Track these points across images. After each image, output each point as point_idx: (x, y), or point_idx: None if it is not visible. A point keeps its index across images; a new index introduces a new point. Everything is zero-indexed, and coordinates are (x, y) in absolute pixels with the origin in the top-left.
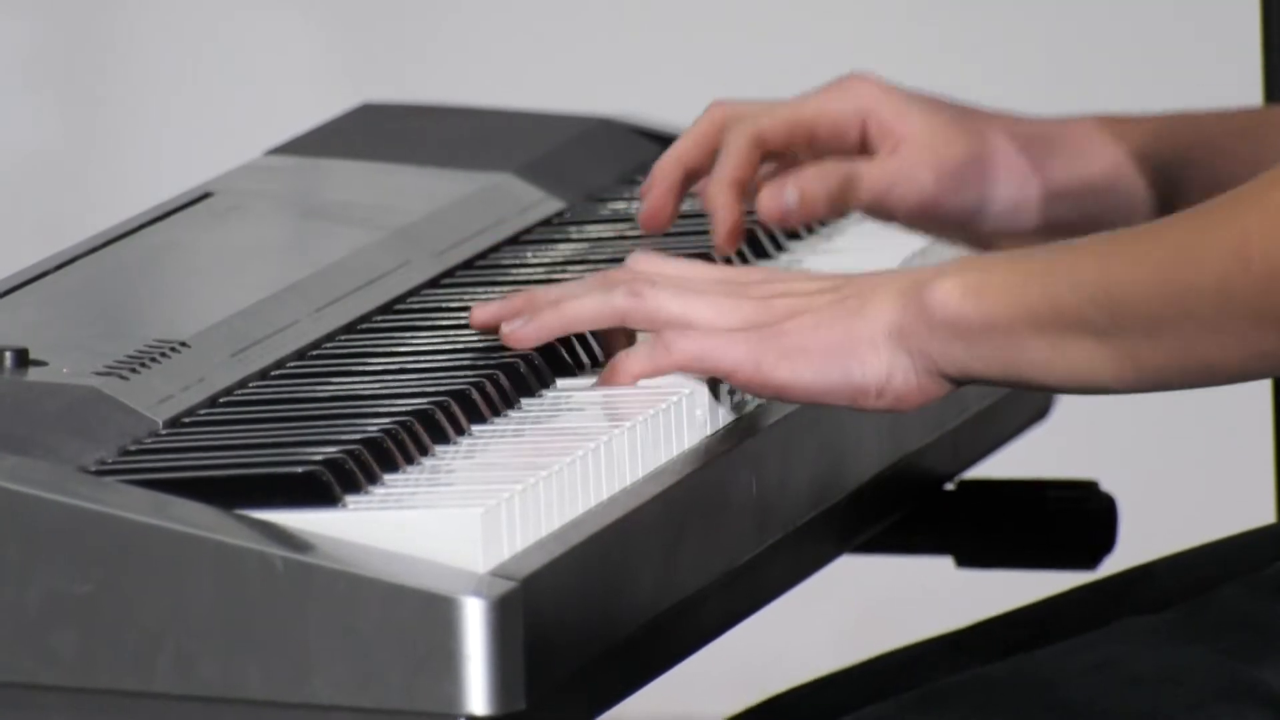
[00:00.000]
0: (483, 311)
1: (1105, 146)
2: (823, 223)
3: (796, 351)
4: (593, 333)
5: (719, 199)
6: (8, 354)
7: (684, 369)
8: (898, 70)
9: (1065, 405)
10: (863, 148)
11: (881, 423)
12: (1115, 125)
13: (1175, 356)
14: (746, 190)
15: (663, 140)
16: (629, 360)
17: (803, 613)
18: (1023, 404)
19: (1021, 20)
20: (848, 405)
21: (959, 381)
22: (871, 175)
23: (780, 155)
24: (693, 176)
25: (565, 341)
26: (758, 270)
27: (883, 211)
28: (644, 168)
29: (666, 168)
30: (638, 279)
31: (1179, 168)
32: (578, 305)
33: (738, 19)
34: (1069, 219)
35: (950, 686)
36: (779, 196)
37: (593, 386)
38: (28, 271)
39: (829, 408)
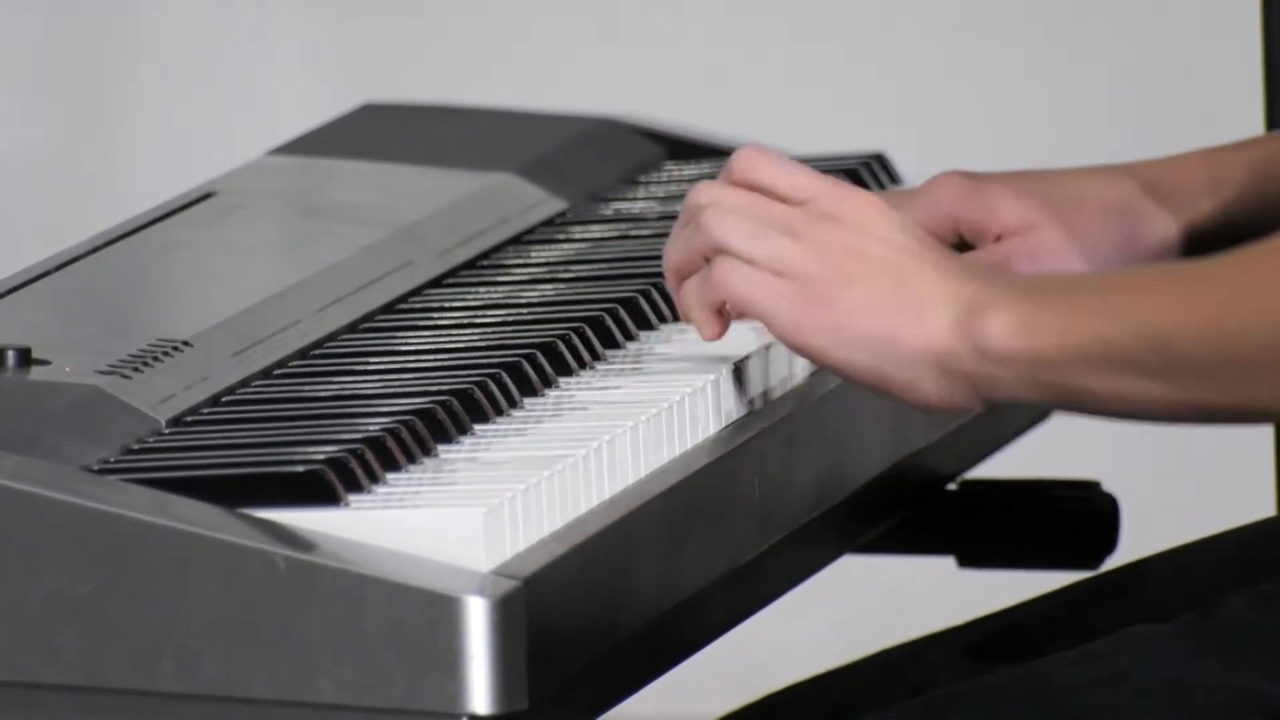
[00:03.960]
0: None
1: (1207, 186)
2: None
3: (834, 326)
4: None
5: None
6: (10, 353)
7: (729, 302)
8: (898, 70)
9: None
10: (963, 245)
11: (884, 423)
12: (1212, 159)
13: (1229, 399)
14: None
15: (664, 140)
16: (686, 291)
17: (805, 613)
18: (1023, 404)
19: (1019, 30)
20: (869, 388)
21: (997, 402)
22: None
23: None
24: None
25: (566, 341)
26: (845, 199)
27: None
28: (645, 167)
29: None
30: (705, 209)
31: None
32: (671, 253)
33: (738, 19)
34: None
35: (955, 695)
36: None
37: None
38: (30, 271)
39: (831, 407)
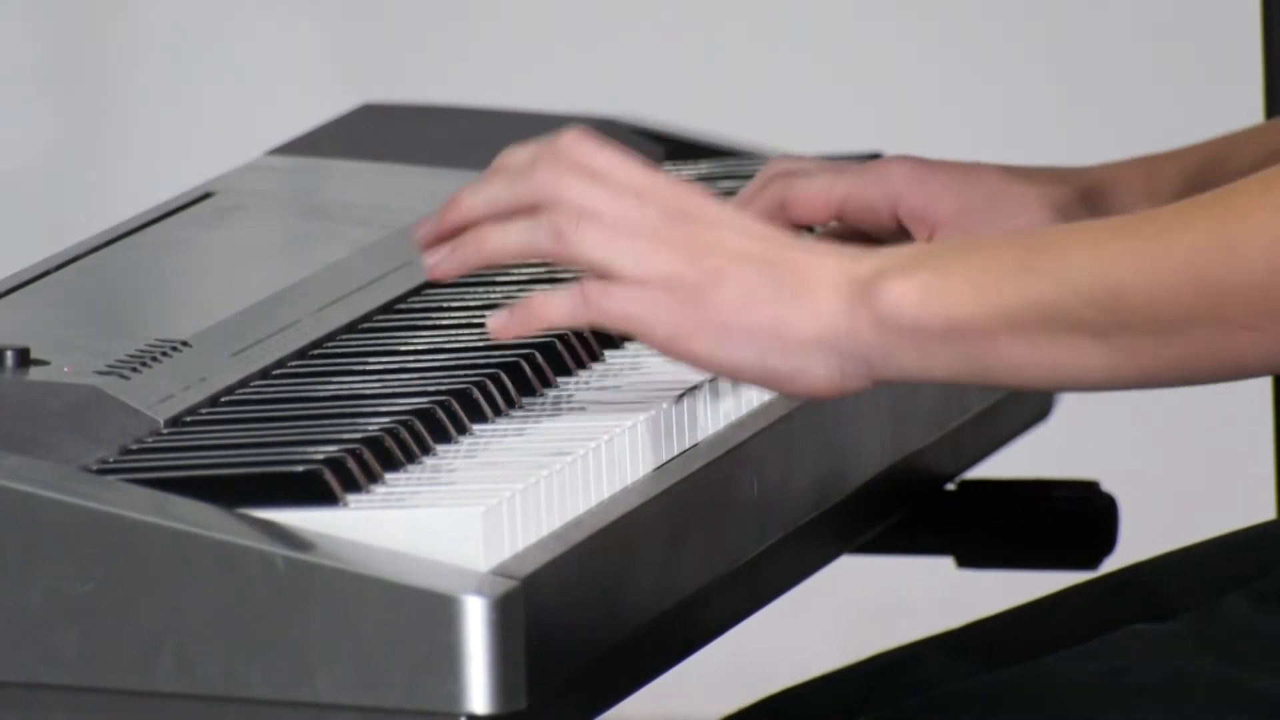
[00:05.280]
0: (424, 229)
1: (1142, 194)
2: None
3: (716, 327)
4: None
5: None
6: (9, 353)
7: (602, 325)
8: (897, 69)
9: (1066, 405)
10: (902, 231)
11: (883, 423)
12: (1150, 166)
13: (1194, 354)
14: None
15: (663, 140)
16: (548, 306)
17: (804, 613)
18: (1024, 404)
19: (1019, 30)
20: (759, 386)
21: (890, 382)
22: None
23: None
24: None
25: (565, 341)
26: (687, 195)
27: None
28: None
29: None
30: (560, 211)
31: None
32: (500, 240)
33: (738, 19)
34: None
35: (955, 694)
36: None
37: (503, 320)
38: (29, 271)
39: (831, 407)
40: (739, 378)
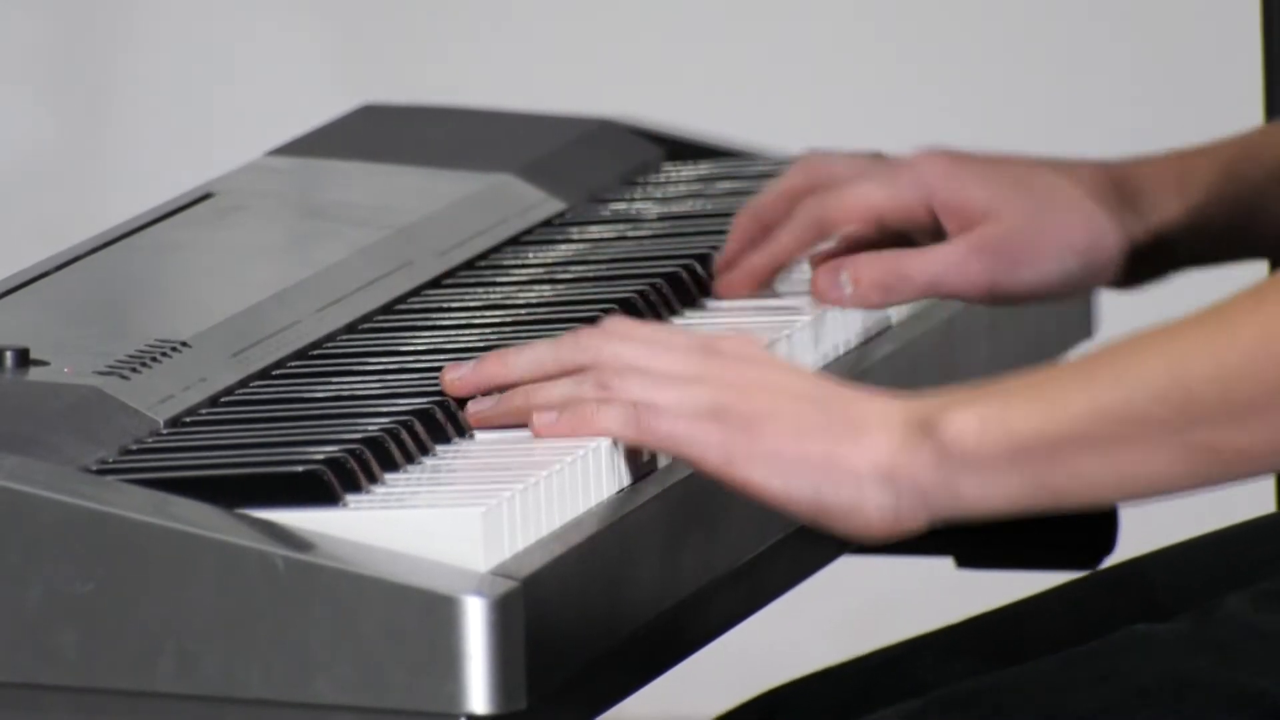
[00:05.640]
0: (455, 376)
1: (1175, 190)
2: None
3: (770, 455)
4: None
5: (746, 280)
6: (9, 354)
7: (652, 447)
8: (896, 67)
9: None
10: (937, 226)
11: None
12: (1181, 162)
13: (1272, 436)
14: (787, 267)
15: (662, 141)
16: (598, 417)
17: (803, 613)
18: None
19: (1019, 31)
20: (810, 521)
21: (946, 519)
22: (916, 267)
23: None
24: (769, 230)
25: None
26: (732, 343)
27: (944, 295)
28: (644, 168)
29: (744, 223)
30: (604, 370)
31: (1254, 198)
32: (545, 395)
33: (738, 19)
34: (1145, 270)
35: (954, 695)
36: (834, 282)
37: (549, 421)
38: (29, 271)
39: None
40: (793, 509)
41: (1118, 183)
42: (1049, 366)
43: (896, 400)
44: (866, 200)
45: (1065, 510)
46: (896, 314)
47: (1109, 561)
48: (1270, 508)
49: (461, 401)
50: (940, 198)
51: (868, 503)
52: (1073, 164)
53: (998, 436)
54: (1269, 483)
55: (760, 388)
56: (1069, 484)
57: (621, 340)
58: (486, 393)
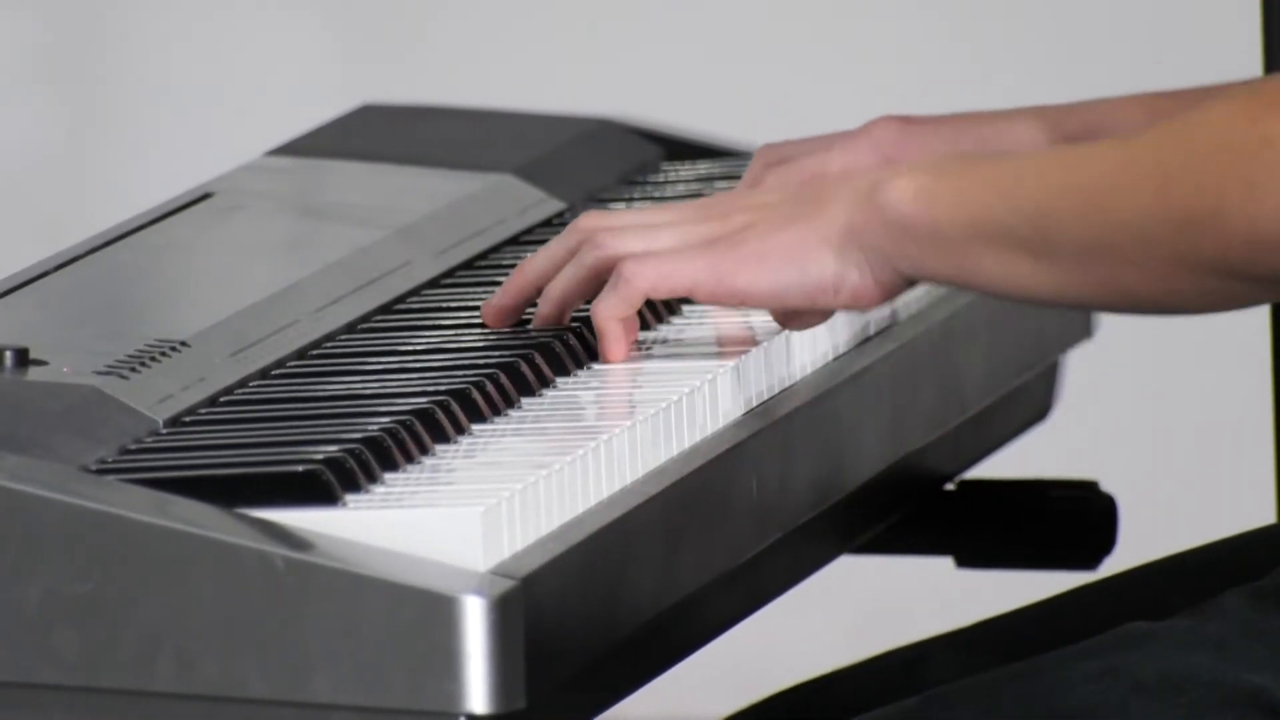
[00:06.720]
0: (489, 306)
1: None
2: None
3: (753, 257)
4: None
5: None
6: (8, 353)
7: (650, 295)
8: (894, 66)
9: (1065, 405)
10: None
11: (882, 423)
12: (1152, 103)
13: (1102, 284)
14: None
15: (661, 141)
16: (600, 306)
17: (803, 613)
18: (1023, 404)
19: (1019, 32)
20: (808, 305)
21: (915, 279)
22: None
23: None
24: None
25: (564, 341)
26: (718, 195)
27: None
28: (643, 168)
29: None
30: (598, 231)
31: None
32: (542, 259)
33: (737, 19)
34: None
35: (952, 691)
36: None
37: (610, 345)
38: (28, 271)
39: (830, 407)
40: (790, 303)
41: (1082, 130)
42: (1007, 153)
43: (864, 174)
44: (823, 167)
45: (986, 292)
46: (900, 313)
47: (1108, 561)
48: (1271, 518)
49: (461, 401)
50: (898, 159)
51: (848, 270)
52: (1029, 113)
53: (921, 208)
54: (1269, 485)
55: (740, 208)
56: (974, 274)
57: (619, 218)
58: (521, 308)
